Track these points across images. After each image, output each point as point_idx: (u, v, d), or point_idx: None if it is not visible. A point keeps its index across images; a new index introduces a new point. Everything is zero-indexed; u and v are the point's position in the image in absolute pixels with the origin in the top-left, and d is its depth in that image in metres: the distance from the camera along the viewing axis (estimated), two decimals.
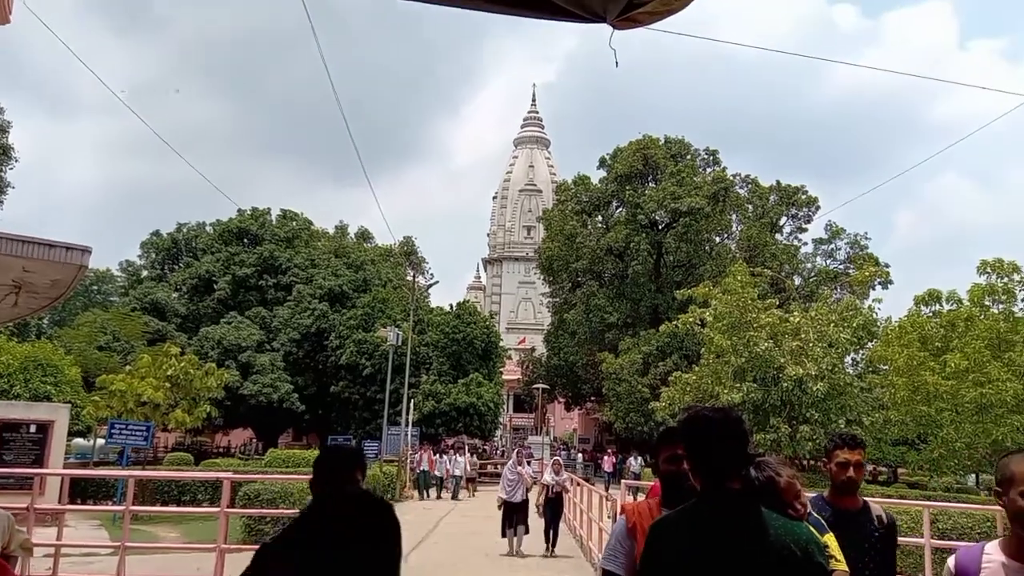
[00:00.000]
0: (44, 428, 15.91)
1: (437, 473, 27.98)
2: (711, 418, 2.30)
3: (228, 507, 10.25)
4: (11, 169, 36.26)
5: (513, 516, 13.80)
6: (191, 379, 22.44)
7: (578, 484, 16.35)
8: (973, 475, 30.69)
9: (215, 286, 45.48)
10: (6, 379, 22.62)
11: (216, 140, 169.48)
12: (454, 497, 27.08)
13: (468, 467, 29.35)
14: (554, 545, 13.81)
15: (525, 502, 14.06)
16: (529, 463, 15.11)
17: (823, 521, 3.41)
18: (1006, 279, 21.69)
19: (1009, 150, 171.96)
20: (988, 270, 22.02)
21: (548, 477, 14.35)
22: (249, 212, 48.84)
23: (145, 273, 49.41)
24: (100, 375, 24.02)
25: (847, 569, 3.25)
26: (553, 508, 14.09)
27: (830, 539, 3.34)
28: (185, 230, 50.70)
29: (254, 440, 47.06)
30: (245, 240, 48.34)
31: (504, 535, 13.90)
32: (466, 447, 34.58)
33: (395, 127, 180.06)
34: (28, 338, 33.94)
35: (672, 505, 2.61)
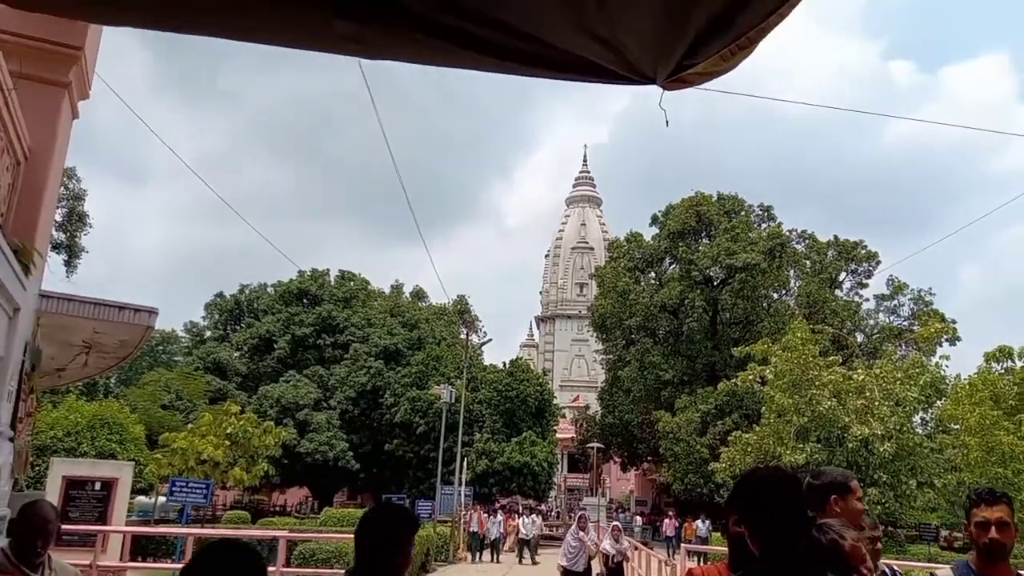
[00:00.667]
0: (108, 485, 16.24)
1: (493, 535, 27.51)
2: (766, 477, 2.24)
3: (283, 567, 10.31)
4: (86, 235, 38.09)
5: None
6: (250, 437, 22.82)
7: (637, 549, 15.64)
8: None
9: (275, 345, 46.43)
10: (74, 437, 23.28)
11: (279, 204, 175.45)
12: (529, 560, 26.44)
13: (535, 529, 28.67)
14: None
15: (588, 571, 13.01)
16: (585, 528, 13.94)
17: None
18: None
19: None
20: None
21: (608, 545, 13.33)
22: (309, 273, 50.11)
23: (208, 333, 50.81)
24: (163, 433, 24.58)
25: None
26: None
27: None
28: (247, 292, 52.13)
29: (310, 499, 47.20)
30: (304, 300, 49.45)
31: None
32: (520, 507, 33.91)
33: (450, 188, 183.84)
34: (96, 397, 35.00)
35: (739, 568, 2.52)
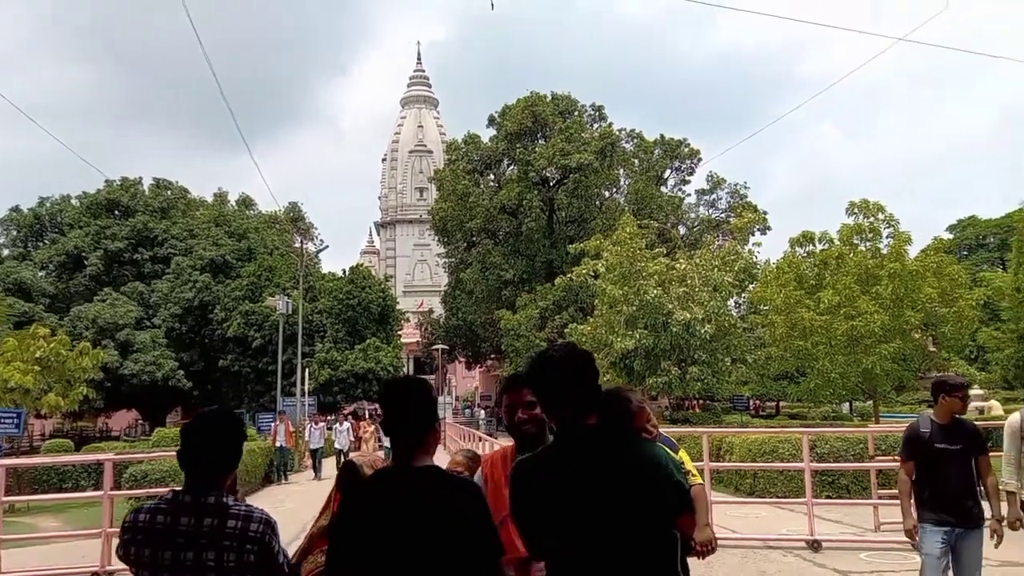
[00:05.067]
0: None
1: (313, 446, 22.02)
2: (555, 357, 2.28)
3: (112, 490, 9.70)
4: None
5: None
6: (63, 360, 21.05)
7: (482, 440, 13.58)
8: (847, 403, 32.95)
9: (85, 262, 42.74)
10: None
11: (78, 108, 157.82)
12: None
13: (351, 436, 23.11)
14: None
15: None
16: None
17: (673, 440, 3.66)
18: (872, 218, 23.09)
19: (874, 101, 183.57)
20: (856, 210, 23.35)
21: None
22: (119, 182, 45.98)
23: (6, 252, 45.88)
24: None
25: (703, 482, 3.59)
26: None
27: (683, 455, 3.63)
28: (48, 204, 47.41)
29: (140, 422, 44.95)
30: (116, 212, 45.55)
31: None
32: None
33: (277, 90, 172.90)
34: None
35: (524, 451, 2.56)
